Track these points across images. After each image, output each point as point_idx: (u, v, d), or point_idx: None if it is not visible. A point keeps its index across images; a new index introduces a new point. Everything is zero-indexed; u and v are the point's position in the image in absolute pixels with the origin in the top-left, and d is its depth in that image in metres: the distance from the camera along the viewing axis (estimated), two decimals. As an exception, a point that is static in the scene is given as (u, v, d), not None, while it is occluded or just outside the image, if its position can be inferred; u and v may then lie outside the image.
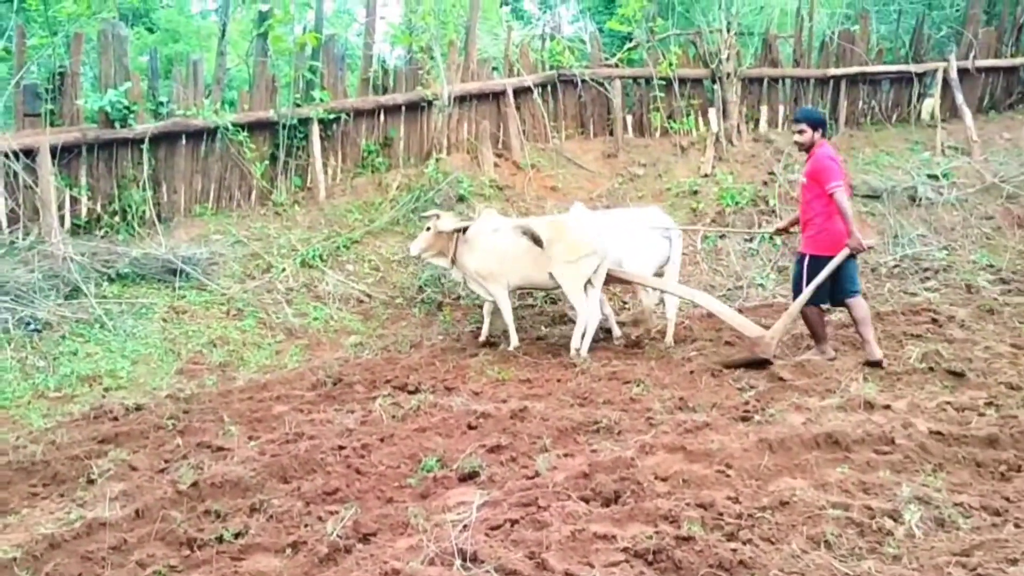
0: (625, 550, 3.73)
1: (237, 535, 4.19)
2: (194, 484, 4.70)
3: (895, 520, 4.00)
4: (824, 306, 6.75)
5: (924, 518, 4.01)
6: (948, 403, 5.56)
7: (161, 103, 8.77)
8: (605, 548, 3.78)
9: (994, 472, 4.55)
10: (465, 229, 7.49)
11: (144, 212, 8.57)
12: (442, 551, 3.75)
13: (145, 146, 8.53)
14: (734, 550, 3.67)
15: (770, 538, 3.86)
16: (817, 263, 6.47)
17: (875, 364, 6.36)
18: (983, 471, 4.58)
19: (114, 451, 5.30)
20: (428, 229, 7.53)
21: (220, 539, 4.15)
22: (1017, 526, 3.93)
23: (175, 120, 8.75)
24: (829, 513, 4.04)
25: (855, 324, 6.61)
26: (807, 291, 6.51)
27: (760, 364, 6.53)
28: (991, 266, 9.33)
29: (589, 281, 7.20)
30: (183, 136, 8.88)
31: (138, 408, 6.18)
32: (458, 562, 3.60)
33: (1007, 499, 4.24)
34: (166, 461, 5.22)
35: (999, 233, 9.83)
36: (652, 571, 3.59)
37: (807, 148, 6.64)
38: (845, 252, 6.38)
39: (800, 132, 6.61)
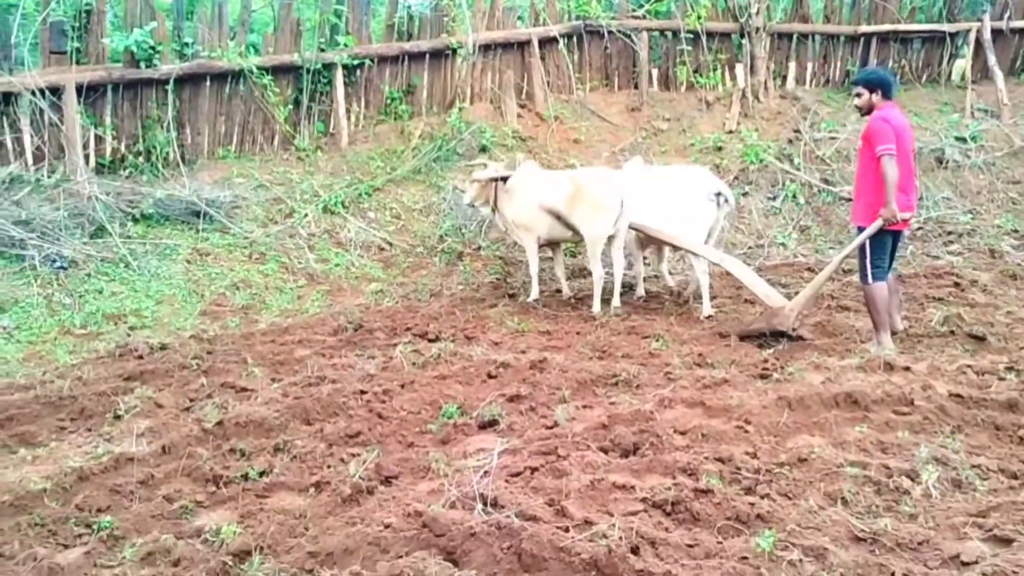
0: (644, 500, 3.79)
1: (262, 473, 4.28)
2: (219, 423, 4.79)
3: (912, 480, 4.03)
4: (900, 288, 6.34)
5: (941, 479, 4.04)
6: (968, 366, 5.56)
7: (186, 44, 8.72)
8: (624, 498, 3.83)
9: (1012, 436, 4.56)
10: (505, 179, 7.49)
11: (168, 153, 8.58)
12: (463, 495, 3.81)
13: (170, 87, 8.51)
14: (752, 504, 3.72)
15: (787, 493, 3.91)
16: (876, 234, 5.94)
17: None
18: (1002, 434, 4.59)
19: (140, 388, 5.40)
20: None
21: (245, 477, 4.24)
22: (1033, 489, 3.96)
23: (200, 62, 8.72)
24: (847, 471, 4.07)
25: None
26: (831, 265, 6.33)
27: (778, 335, 6.30)
28: (1016, 231, 9.25)
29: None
30: (207, 78, 8.85)
31: (163, 347, 6.26)
32: (479, 506, 3.66)
33: (1024, 463, 4.26)
34: (191, 400, 5.31)
35: (1025, 198, 9.73)
36: (670, 521, 3.64)
37: (866, 112, 6.09)
38: (878, 223, 5.87)
39: (857, 95, 6.14)
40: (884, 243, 6.01)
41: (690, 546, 3.42)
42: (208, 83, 8.89)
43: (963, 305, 6.95)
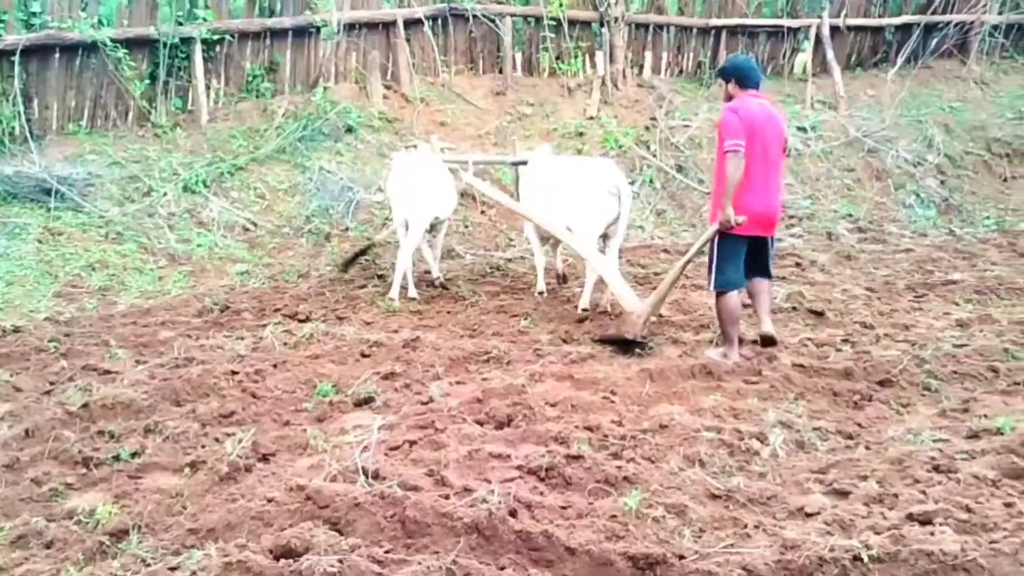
0: (519, 467, 3.98)
1: (134, 455, 4.22)
2: (84, 405, 4.67)
3: (761, 442, 4.38)
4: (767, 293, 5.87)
5: (787, 440, 4.41)
6: (809, 339, 6.03)
7: (34, 14, 8.26)
8: (500, 466, 4.01)
9: (848, 401, 5.01)
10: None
11: (14, 128, 8.13)
12: (344, 469, 3.89)
13: (16, 58, 8.05)
14: (619, 467, 3.97)
15: (651, 457, 4.18)
16: (726, 240, 5.51)
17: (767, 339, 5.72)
18: (839, 400, 5.03)
19: (-5, 372, 5.17)
20: None
21: (117, 458, 4.17)
22: (867, 448, 4.38)
23: (48, 32, 8.28)
24: (703, 435, 4.37)
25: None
26: (674, 270, 5.95)
27: (629, 344, 5.84)
28: (850, 215, 10.01)
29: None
30: (57, 49, 8.42)
31: (16, 330, 6.00)
32: (361, 479, 3.75)
33: (859, 424, 4.70)
34: (51, 383, 5.15)
35: (859, 185, 10.52)
36: (544, 486, 3.84)
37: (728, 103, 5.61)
38: (713, 228, 5.52)
39: (719, 87, 5.93)
40: (735, 250, 5.50)
41: (564, 508, 3.64)
42: (57, 55, 8.47)
43: (804, 284, 7.51)
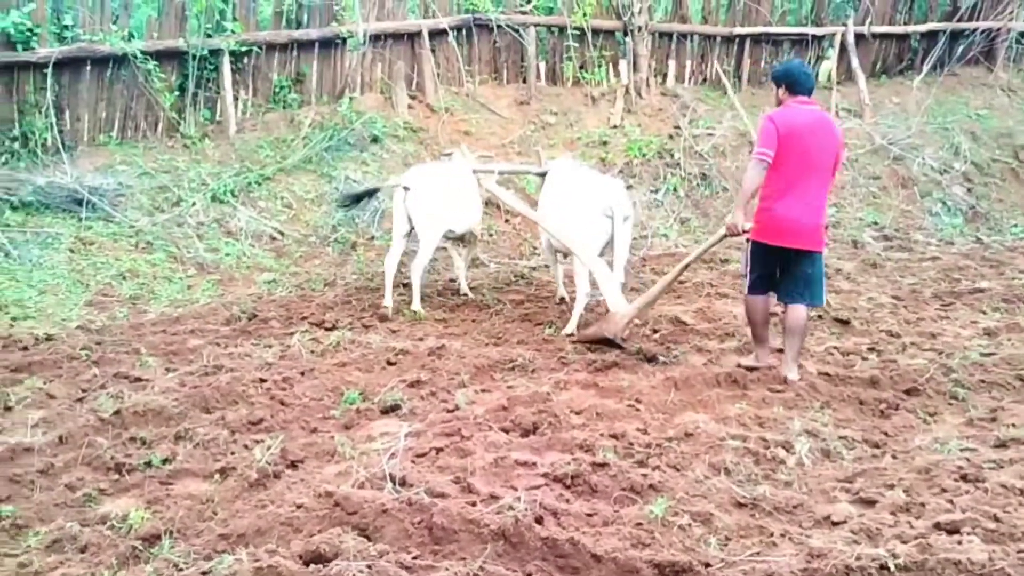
0: (545, 475, 4.01)
1: (165, 461, 4.28)
2: (116, 412, 4.74)
3: (787, 450, 4.40)
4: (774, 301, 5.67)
5: (812, 449, 4.42)
6: (835, 348, 6.03)
7: (66, 27, 8.42)
8: (526, 473, 4.04)
9: (875, 410, 5.01)
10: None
11: (47, 139, 8.28)
12: (372, 476, 3.93)
13: (48, 71, 8.20)
14: (644, 475, 3.99)
15: (676, 465, 4.20)
16: (752, 247, 5.46)
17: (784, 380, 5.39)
18: (865, 408, 5.03)
19: (29, 379, 5.27)
20: None
21: (148, 464, 4.24)
22: (894, 457, 4.38)
23: (80, 45, 8.42)
24: (728, 444, 4.39)
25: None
26: (669, 276, 6.00)
27: (606, 343, 5.94)
28: (876, 223, 9.96)
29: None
30: (88, 62, 8.57)
31: (49, 338, 6.10)
32: (389, 485, 3.79)
33: (885, 433, 4.70)
34: (83, 390, 5.22)
35: (885, 193, 10.46)
36: (570, 493, 3.87)
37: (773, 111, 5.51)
38: (719, 233, 5.65)
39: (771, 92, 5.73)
40: (761, 257, 5.41)
41: (589, 515, 3.66)
42: (89, 67, 8.61)
43: (829, 292, 7.42)
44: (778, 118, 5.25)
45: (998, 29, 12.00)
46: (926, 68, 11.91)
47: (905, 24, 12.26)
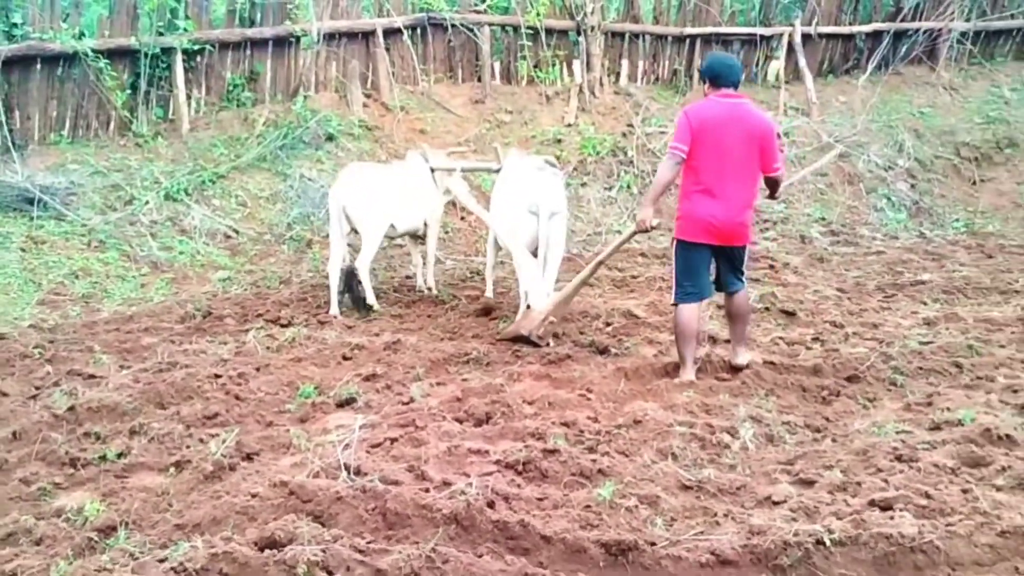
0: (497, 462, 4.10)
1: (120, 455, 4.31)
2: (71, 409, 4.75)
3: (732, 436, 4.53)
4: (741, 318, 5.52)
5: (756, 434, 4.56)
6: (780, 338, 6.20)
7: (15, 25, 8.35)
8: (479, 461, 4.13)
9: (817, 396, 5.18)
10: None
11: (-4, 138, 8.22)
12: (327, 466, 4.00)
13: (-3, 69, 8.14)
14: (593, 460, 4.10)
15: (625, 451, 4.32)
16: (676, 245, 5.43)
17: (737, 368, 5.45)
18: (807, 395, 5.19)
19: (-20, 378, 5.24)
20: None
21: (103, 458, 4.26)
22: (834, 440, 4.53)
23: (30, 43, 8.36)
24: (676, 430, 4.52)
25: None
26: (583, 273, 6.07)
27: (526, 341, 6.01)
28: (823, 219, 10.21)
29: None
30: (38, 60, 8.50)
31: (1, 337, 6.05)
32: (344, 474, 3.85)
33: (827, 419, 4.86)
34: (37, 388, 5.21)
35: (832, 189, 10.72)
36: (522, 479, 3.97)
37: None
38: (629, 231, 5.75)
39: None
40: (689, 259, 5.32)
41: (540, 499, 3.76)
42: (39, 66, 8.54)
43: (776, 285, 7.68)
44: (691, 111, 5.21)
45: (940, 29, 12.32)
46: (871, 67, 12.21)
47: (851, 24, 12.52)
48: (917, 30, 12.29)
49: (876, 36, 12.44)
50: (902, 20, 12.42)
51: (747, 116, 5.22)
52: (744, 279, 5.51)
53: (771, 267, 8.38)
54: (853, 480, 3.92)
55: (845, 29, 12.48)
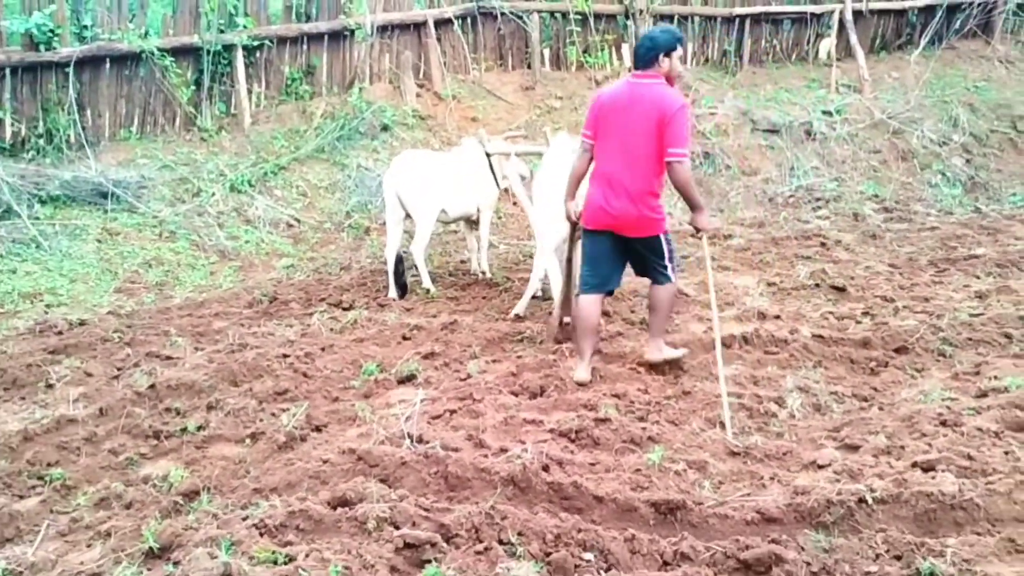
0: (551, 431, 4.31)
1: (199, 428, 4.61)
2: (151, 387, 5.06)
3: (779, 405, 4.68)
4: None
5: (804, 404, 4.71)
6: (830, 313, 6.29)
7: (85, 27, 8.75)
8: (534, 430, 4.34)
9: (865, 368, 5.29)
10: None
11: (70, 136, 8.64)
12: (391, 436, 4.24)
13: (70, 70, 8.54)
14: (643, 429, 4.29)
15: (674, 420, 4.50)
16: (582, 235, 5.33)
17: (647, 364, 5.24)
18: (856, 367, 5.31)
19: (67, 360, 5.58)
20: None
21: (184, 431, 4.57)
22: (880, 408, 4.66)
23: (100, 44, 8.77)
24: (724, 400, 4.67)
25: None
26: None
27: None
28: (876, 196, 10.18)
29: None
30: (107, 60, 8.91)
31: (82, 323, 6.42)
32: (407, 442, 4.10)
33: (874, 388, 4.98)
34: (119, 368, 5.54)
35: (885, 166, 10.68)
36: (575, 446, 4.17)
37: None
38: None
39: None
40: (590, 248, 5.16)
41: (592, 464, 3.97)
42: (108, 65, 8.95)
43: (828, 262, 7.73)
44: (597, 96, 5.05)
45: (995, 1, 12.16)
46: (924, 42, 12.10)
47: (903, 0, 12.42)
48: (971, 3, 12.14)
49: (929, 11, 12.36)
50: (955, -7, 12.28)
51: (647, 100, 4.78)
52: (668, 273, 5.09)
53: (823, 244, 8.42)
54: (897, 444, 4.04)
55: (897, 4, 12.40)
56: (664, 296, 5.12)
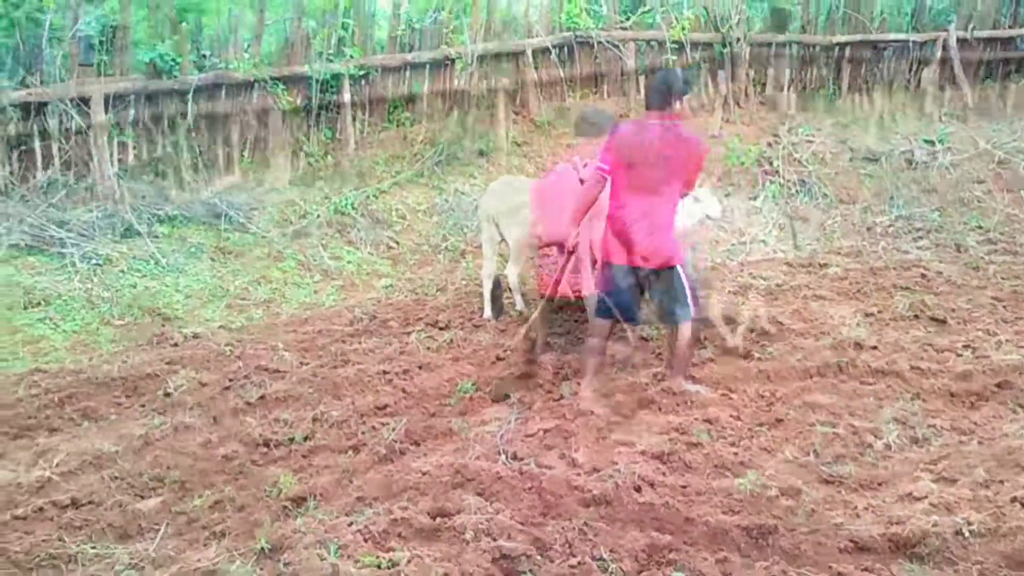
0: (643, 453, 4.39)
1: (305, 438, 4.87)
2: (261, 398, 5.36)
3: (875, 436, 4.65)
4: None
5: (901, 435, 4.67)
6: (929, 345, 6.17)
7: (204, 56, 9.28)
8: (625, 451, 4.44)
9: (965, 401, 5.19)
10: None
11: (187, 159, 9.15)
12: (487, 451, 4.40)
13: (189, 96, 9.06)
14: (735, 454, 4.34)
15: (766, 447, 4.53)
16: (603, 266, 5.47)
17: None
18: (955, 400, 5.21)
19: (183, 371, 5.93)
20: None
21: (291, 440, 4.83)
22: (980, 443, 4.58)
23: (217, 72, 9.27)
24: (818, 429, 4.68)
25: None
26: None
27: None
28: (980, 227, 9.92)
29: None
30: (223, 87, 9.41)
31: (196, 336, 6.78)
32: (502, 458, 4.24)
33: (974, 423, 4.88)
34: (230, 380, 5.84)
35: (989, 196, 10.38)
36: (666, 468, 4.25)
37: None
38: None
39: None
40: (610, 276, 5.32)
41: (683, 487, 4.04)
42: (224, 92, 9.46)
43: (928, 293, 7.59)
44: (617, 132, 5.19)
45: (1110, 27, 11.76)
46: (1032, 70, 11.77)
47: (1009, 27, 12.10)
48: (1083, 30, 11.75)
49: (1038, 38, 11.98)
50: (1067, 20, 11.91)
51: (672, 138, 5.04)
52: (688, 304, 5.25)
53: (923, 275, 8.26)
54: (996, 479, 4.00)
55: (1003, 32, 12.06)
56: (684, 335, 5.28)
